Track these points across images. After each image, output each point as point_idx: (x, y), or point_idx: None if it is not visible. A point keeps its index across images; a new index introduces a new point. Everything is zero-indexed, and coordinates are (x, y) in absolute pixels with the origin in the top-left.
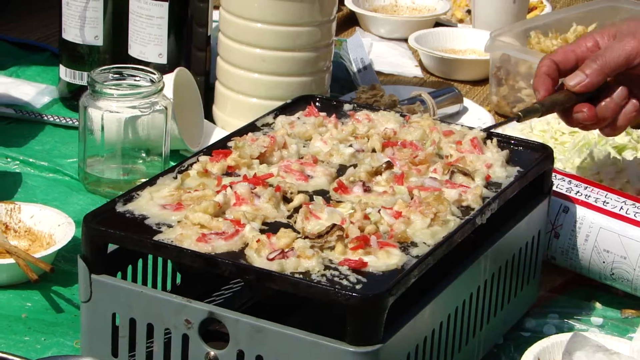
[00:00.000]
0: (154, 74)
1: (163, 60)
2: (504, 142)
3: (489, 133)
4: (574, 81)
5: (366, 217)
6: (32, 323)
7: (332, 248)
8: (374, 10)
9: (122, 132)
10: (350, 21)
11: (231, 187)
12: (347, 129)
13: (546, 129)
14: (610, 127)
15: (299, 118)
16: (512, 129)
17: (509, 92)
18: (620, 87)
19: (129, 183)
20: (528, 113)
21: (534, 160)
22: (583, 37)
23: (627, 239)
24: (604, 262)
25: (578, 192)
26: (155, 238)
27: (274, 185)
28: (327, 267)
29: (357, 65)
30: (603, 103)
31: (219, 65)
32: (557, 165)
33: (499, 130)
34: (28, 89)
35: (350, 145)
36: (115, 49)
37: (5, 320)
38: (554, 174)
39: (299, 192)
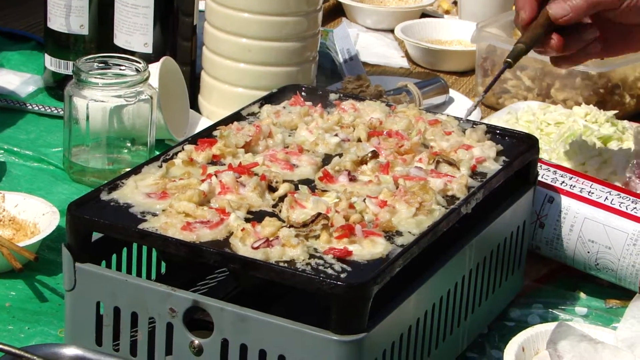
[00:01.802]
0: (140, 63)
1: (149, 49)
2: (490, 132)
3: (474, 123)
4: (558, 14)
5: (351, 206)
6: (16, 312)
7: (317, 237)
8: (360, 1)
9: (107, 121)
10: (336, 12)
11: (216, 175)
12: (332, 118)
13: (532, 120)
14: (567, 60)
15: (284, 107)
16: (498, 119)
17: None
18: (592, 27)
19: (114, 172)
20: (516, 57)
21: (520, 151)
22: None
23: (612, 229)
24: (588, 252)
25: (563, 182)
26: (140, 226)
27: (259, 174)
28: (312, 256)
29: (343, 56)
30: (572, 37)
31: (205, 55)
32: (543, 156)
33: (489, 120)
34: (13, 78)
35: (336, 135)
36: (100, 38)
37: None
38: (539, 164)
39: (284, 181)
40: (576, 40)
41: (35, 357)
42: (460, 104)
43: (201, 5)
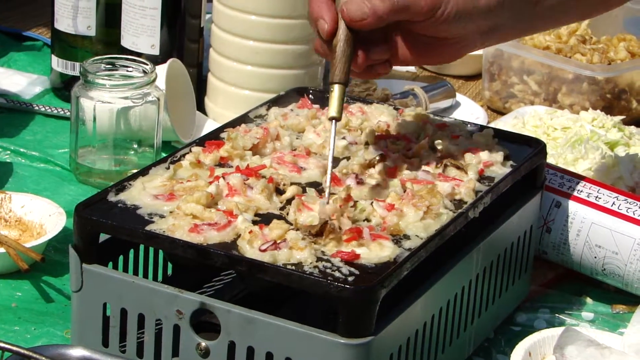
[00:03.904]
0: (147, 64)
1: (156, 51)
2: (497, 136)
3: (480, 126)
4: (355, 16)
5: (349, 198)
6: (22, 313)
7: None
8: None
9: (114, 122)
10: None
11: (224, 178)
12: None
13: (538, 125)
14: (354, 73)
15: (292, 110)
16: (504, 124)
17: (502, 87)
18: (383, 45)
19: (121, 174)
20: (340, 109)
21: (527, 155)
22: None
23: (619, 234)
24: (595, 257)
25: (570, 187)
26: (147, 228)
27: (267, 177)
28: (319, 259)
29: None
30: (377, 48)
31: (212, 57)
32: (550, 160)
33: (495, 124)
34: (19, 79)
35: (344, 138)
36: (107, 40)
37: None
38: (546, 169)
39: (292, 183)
40: (381, 52)
41: (43, 358)
42: (467, 108)
43: (208, 7)
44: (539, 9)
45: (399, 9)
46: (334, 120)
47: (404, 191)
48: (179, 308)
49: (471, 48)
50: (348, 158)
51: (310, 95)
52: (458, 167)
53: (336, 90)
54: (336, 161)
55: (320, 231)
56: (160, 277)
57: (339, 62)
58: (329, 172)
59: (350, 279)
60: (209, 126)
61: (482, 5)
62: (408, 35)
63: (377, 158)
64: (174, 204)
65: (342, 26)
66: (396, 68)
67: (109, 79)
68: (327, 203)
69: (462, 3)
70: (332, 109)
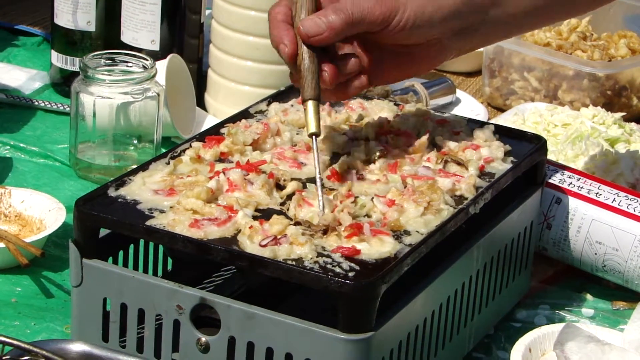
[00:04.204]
0: (147, 60)
1: (156, 46)
2: (498, 132)
3: (481, 123)
4: (311, 31)
5: (350, 194)
6: (22, 308)
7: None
8: None
9: (114, 118)
10: None
11: (224, 173)
12: (340, 117)
13: (539, 121)
14: (332, 93)
15: (292, 105)
16: (505, 120)
17: (502, 83)
18: (353, 57)
19: (120, 169)
20: (318, 124)
21: (528, 151)
22: None
23: (620, 230)
24: (595, 253)
25: (571, 183)
26: (148, 223)
27: (267, 172)
28: (320, 254)
29: None
30: (346, 62)
31: (212, 52)
32: (550, 157)
33: (496, 121)
34: (19, 74)
35: (344, 133)
36: (107, 35)
37: None
38: (547, 165)
39: (292, 179)
40: (347, 66)
41: (44, 352)
42: (467, 104)
43: (209, 3)
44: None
45: (354, 21)
46: (314, 137)
47: (405, 187)
48: (179, 303)
49: (447, 53)
50: (348, 154)
51: None
52: (459, 163)
53: (310, 106)
54: (336, 156)
55: (324, 232)
56: (160, 272)
57: (305, 79)
58: (318, 185)
59: (350, 274)
60: (209, 122)
61: (445, 8)
62: (376, 47)
63: (378, 154)
64: (174, 199)
65: (302, 45)
66: None
67: (109, 75)
68: (323, 213)
69: (420, 9)
70: (310, 125)
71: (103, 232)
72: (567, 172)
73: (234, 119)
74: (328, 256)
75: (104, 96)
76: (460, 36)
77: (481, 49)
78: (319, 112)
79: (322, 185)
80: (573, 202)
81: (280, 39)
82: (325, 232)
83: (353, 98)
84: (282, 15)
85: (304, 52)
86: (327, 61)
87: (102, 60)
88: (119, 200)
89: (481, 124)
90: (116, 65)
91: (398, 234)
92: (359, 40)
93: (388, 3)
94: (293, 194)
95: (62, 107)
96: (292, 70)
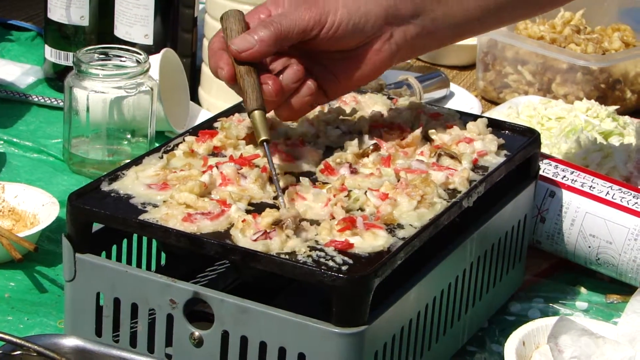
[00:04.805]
0: (140, 54)
1: (149, 41)
2: (491, 125)
3: (475, 116)
4: (242, 47)
5: (344, 188)
6: (15, 303)
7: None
8: None
9: (108, 112)
10: None
11: (217, 167)
12: (334, 110)
13: (533, 114)
14: (286, 109)
15: None
16: (498, 114)
17: (496, 77)
18: (295, 65)
19: (114, 164)
20: (265, 129)
21: (521, 144)
22: (255, 9)
23: (613, 224)
24: (589, 247)
25: (565, 176)
26: (141, 217)
27: (260, 166)
28: (313, 248)
29: None
30: (288, 71)
31: (205, 47)
32: (544, 150)
33: (490, 114)
34: (13, 69)
35: (337, 127)
36: (101, 30)
37: None
38: (540, 158)
39: (286, 173)
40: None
41: (36, 347)
42: (461, 98)
43: None
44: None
45: (284, 32)
46: (265, 143)
47: (398, 180)
48: (172, 297)
49: (395, 55)
50: (342, 147)
51: None
52: (452, 157)
53: (255, 116)
54: (330, 150)
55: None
56: (153, 267)
57: (246, 93)
58: (278, 189)
59: (343, 268)
60: (203, 116)
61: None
62: (321, 57)
63: (371, 147)
64: (167, 193)
65: (238, 65)
66: None
67: (102, 69)
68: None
69: (353, 8)
70: (260, 134)
71: (96, 226)
72: (560, 165)
73: (228, 113)
74: (321, 250)
75: (97, 91)
76: (405, 34)
77: (474, 42)
78: (265, 120)
79: (278, 183)
80: (567, 196)
81: (217, 65)
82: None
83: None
84: (218, 44)
85: (241, 69)
86: (267, 74)
87: (96, 55)
88: (112, 194)
89: (475, 118)
90: (110, 59)
91: (391, 227)
92: (300, 52)
93: (316, 8)
94: (286, 187)
95: (55, 102)
96: (235, 91)
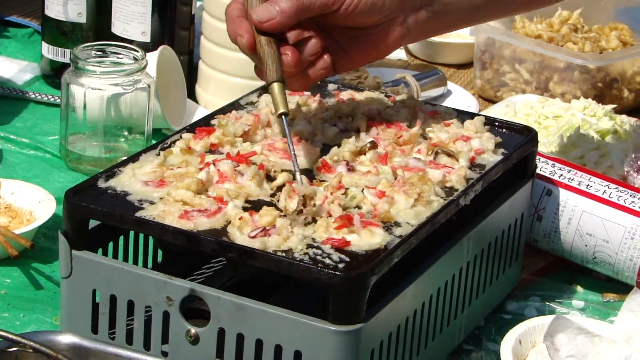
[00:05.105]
0: (137, 51)
1: (146, 38)
2: (488, 123)
3: (473, 114)
4: (263, 17)
5: (341, 186)
6: (11, 299)
7: (312, 222)
8: None
9: (105, 109)
10: None
11: (214, 164)
12: (331, 108)
13: (530, 113)
14: (298, 81)
15: None
16: (496, 112)
17: (493, 75)
18: (314, 39)
19: (111, 161)
20: (284, 101)
21: (518, 143)
22: None
23: (610, 222)
24: (586, 245)
25: (561, 175)
26: (137, 214)
27: (257, 164)
28: (309, 246)
29: None
30: (307, 44)
31: (203, 44)
32: (541, 149)
33: (487, 112)
34: (10, 65)
35: (335, 125)
36: (98, 27)
37: None
38: (537, 157)
39: (283, 170)
40: (302, 53)
41: (32, 343)
42: (459, 96)
43: None
44: None
45: (305, 5)
46: (283, 117)
47: (395, 178)
48: (168, 295)
49: (407, 36)
50: (339, 145)
51: None
52: (449, 155)
53: (275, 88)
54: (327, 148)
55: (300, 210)
56: (150, 264)
57: (266, 64)
58: (294, 162)
59: (340, 265)
60: (200, 114)
61: None
62: (336, 32)
63: (368, 145)
64: (164, 190)
65: (259, 34)
66: (388, 56)
67: (100, 66)
68: (302, 184)
69: None
70: (279, 106)
71: (93, 223)
72: (557, 164)
73: (225, 110)
74: (318, 247)
75: (94, 88)
76: (417, 18)
77: (472, 41)
78: (285, 93)
79: (296, 159)
80: (564, 194)
81: (236, 32)
82: (303, 205)
83: (346, 87)
84: (237, 11)
85: (261, 39)
86: (286, 46)
87: (93, 52)
88: (109, 191)
89: (472, 116)
90: (107, 56)
91: (388, 225)
92: (316, 26)
93: None
94: (283, 185)
95: (52, 99)
96: (253, 60)
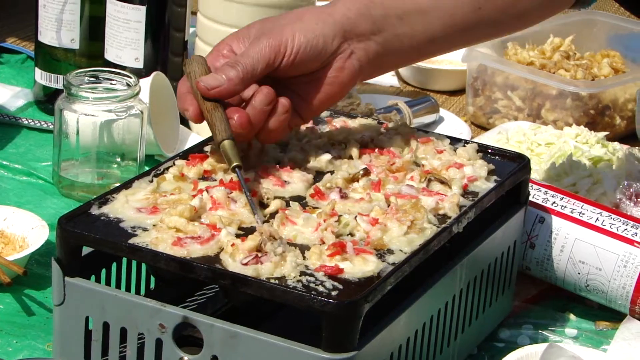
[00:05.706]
0: (130, 77)
1: (139, 64)
2: (481, 151)
3: (465, 141)
4: (211, 83)
5: (334, 213)
6: (4, 325)
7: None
8: None
9: (97, 135)
10: None
11: (207, 191)
12: (324, 135)
13: (522, 140)
14: (264, 132)
15: None
16: (488, 139)
17: (486, 102)
18: (265, 89)
19: (104, 187)
20: (237, 156)
21: (511, 170)
22: (217, 47)
23: (603, 250)
24: (579, 273)
25: (554, 202)
26: (130, 241)
27: (251, 190)
28: (303, 273)
29: None
30: (250, 106)
31: None
32: (533, 176)
33: (479, 140)
34: (2, 91)
35: (327, 152)
36: (91, 53)
37: None
38: (530, 184)
39: (276, 197)
40: (255, 108)
41: None
42: (451, 123)
43: (193, 21)
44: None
45: (249, 71)
46: (237, 169)
47: (388, 205)
48: (161, 322)
49: (358, 75)
50: (332, 172)
51: None
52: (442, 182)
53: (225, 145)
54: (320, 175)
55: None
56: (142, 291)
57: (214, 126)
58: (253, 208)
59: (333, 293)
60: (193, 140)
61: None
62: (288, 83)
63: (361, 172)
64: (157, 217)
65: (204, 102)
66: (379, 82)
67: (93, 92)
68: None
69: (309, 32)
70: (231, 160)
71: (86, 250)
72: (550, 191)
73: None
74: (311, 275)
75: (87, 114)
76: (366, 51)
77: (464, 68)
78: (236, 148)
79: (253, 206)
80: (556, 222)
81: (184, 107)
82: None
83: (339, 114)
84: (184, 88)
85: (207, 105)
86: (231, 108)
87: (86, 78)
88: (102, 218)
89: (464, 143)
90: (100, 82)
91: (381, 252)
92: (270, 81)
93: (275, 39)
94: (276, 212)
95: (45, 125)
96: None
